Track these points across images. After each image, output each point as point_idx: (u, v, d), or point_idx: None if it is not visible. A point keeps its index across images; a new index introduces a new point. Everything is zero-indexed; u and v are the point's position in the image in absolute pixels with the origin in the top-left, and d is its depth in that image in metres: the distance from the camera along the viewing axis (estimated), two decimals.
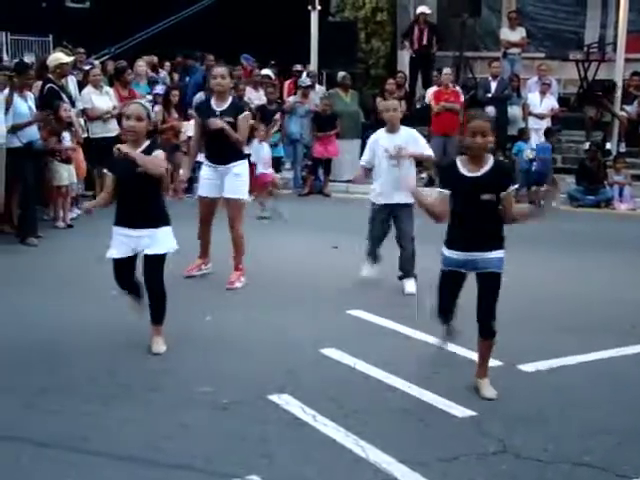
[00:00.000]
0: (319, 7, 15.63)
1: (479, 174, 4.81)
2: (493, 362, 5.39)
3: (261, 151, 11.10)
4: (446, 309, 5.19)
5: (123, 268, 5.62)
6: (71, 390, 4.88)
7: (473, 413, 4.66)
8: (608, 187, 12.62)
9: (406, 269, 7.32)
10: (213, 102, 7.20)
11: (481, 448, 4.22)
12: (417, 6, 15.95)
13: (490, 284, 4.91)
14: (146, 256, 5.50)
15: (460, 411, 4.69)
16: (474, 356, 5.54)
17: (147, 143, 5.46)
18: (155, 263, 5.51)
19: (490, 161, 4.86)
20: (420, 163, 9.22)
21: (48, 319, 6.25)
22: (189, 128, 11.54)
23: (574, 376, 5.34)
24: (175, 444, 4.20)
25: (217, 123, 6.99)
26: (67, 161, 9.86)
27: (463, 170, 4.85)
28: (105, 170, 5.69)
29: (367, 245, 7.42)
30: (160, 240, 5.49)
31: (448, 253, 4.97)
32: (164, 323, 5.66)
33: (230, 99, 7.22)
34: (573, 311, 6.79)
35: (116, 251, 5.57)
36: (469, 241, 4.87)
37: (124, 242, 5.53)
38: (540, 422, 4.57)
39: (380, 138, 7.21)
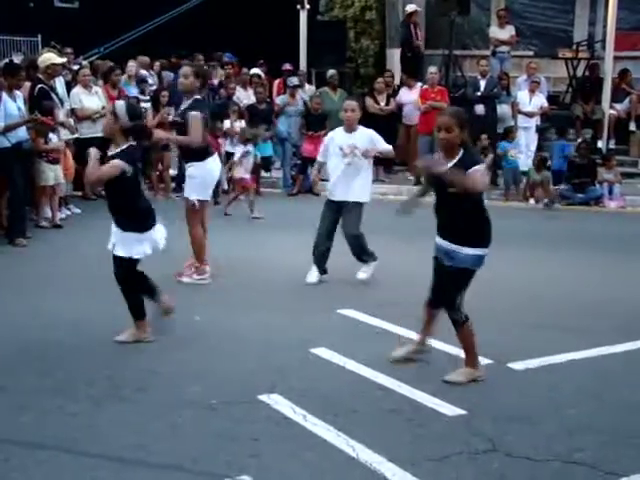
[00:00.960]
0: (308, 6, 15.62)
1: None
2: (483, 360, 5.40)
3: (247, 155, 11.11)
4: (431, 292, 5.31)
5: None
6: (60, 391, 4.86)
7: (463, 412, 4.66)
8: (598, 185, 12.65)
9: (358, 256, 7.51)
10: (184, 101, 7.32)
11: (471, 447, 4.22)
12: (406, 5, 15.94)
13: (449, 277, 5.09)
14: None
15: (450, 410, 4.69)
16: (463, 355, 5.56)
17: (125, 145, 5.56)
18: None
19: (459, 154, 4.95)
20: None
21: (37, 320, 6.23)
22: None
23: (564, 374, 5.34)
24: (164, 444, 4.19)
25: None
26: (54, 162, 9.82)
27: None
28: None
29: (314, 243, 7.51)
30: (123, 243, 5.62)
31: (436, 238, 5.17)
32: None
33: (192, 98, 7.21)
34: (563, 309, 6.80)
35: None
36: (443, 230, 5.08)
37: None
38: (530, 420, 4.57)
39: (336, 136, 7.39)
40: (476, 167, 4.89)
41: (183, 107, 7.22)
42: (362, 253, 7.47)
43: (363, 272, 7.48)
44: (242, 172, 11.04)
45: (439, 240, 5.12)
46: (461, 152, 4.95)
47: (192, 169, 7.28)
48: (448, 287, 5.13)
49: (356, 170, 7.29)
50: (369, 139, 7.34)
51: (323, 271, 7.52)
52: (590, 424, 4.52)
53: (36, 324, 6.13)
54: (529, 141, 13.70)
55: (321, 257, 7.49)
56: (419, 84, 13.97)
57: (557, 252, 8.97)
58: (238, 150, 11.19)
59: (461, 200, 4.89)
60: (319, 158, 7.64)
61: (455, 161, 4.93)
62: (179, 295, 6.87)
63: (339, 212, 7.41)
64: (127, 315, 5.76)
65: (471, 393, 4.95)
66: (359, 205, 7.37)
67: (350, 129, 7.33)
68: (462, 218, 4.98)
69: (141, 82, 13.05)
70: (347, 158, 7.27)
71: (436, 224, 5.14)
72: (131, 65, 13.23)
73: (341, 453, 4.14)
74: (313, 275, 7.47)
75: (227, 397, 4.79)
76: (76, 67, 12.10)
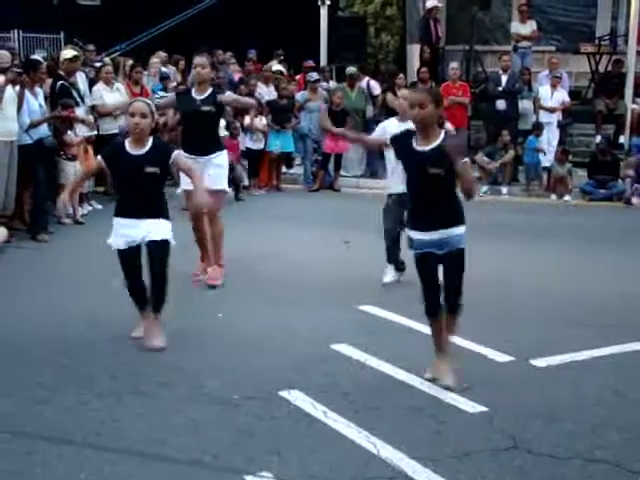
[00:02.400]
0: (328, 2, 15.61)
1: (427, 149, 4.72)
2: (505, 357, 5.38)
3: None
4: (431, 297, 4.98)
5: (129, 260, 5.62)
6: (82, 386, 4.89)
7: (484, 409, 4.64)
8: (620, 181, 12.56)
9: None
10: (194, 91, 7.20)
11: (493, 444, 4.20)
12: (426, 0, 15.88)
13: (455, 262, 4.91)
14: (150, 242, 5.52)
15: (471, 407, 4.67)
16: (485, 351, 5.55)
17: (151, 141, 5.52)
18: (159, 249, 5.54)
19: (441, 136, 4.74)
20: None
21: (58, 314, 6.27)
22: None
23: (586, 371, 5.31)
24: (185, 440, 4.20)
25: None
26: (73, 158, 9.87)
27: (415, 144, 4.78)
28: (100, 158, 5.69)
29: (385, 244, 7.24)
30: (161, 230, 5.55)
31: (417, 235, 4.90)
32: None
33: (210, 89, 7.18)
34: (585, 306, 6.75)
35: (120, 241, 5.59)
36: (430, 219, 4.82)
37: (124, 233, 5.57)
38: (552, 417, 4.54)
39: (389, 126, 6.88)
40: (465, 160, 4.72)
41: (202, 97, 7.05)
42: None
43: (388, 275, 7.31)
44: None
45: (429, 232, 4.82)
46: (442, 135, 4.74)
47: (220, 158, 7.15)
48: (458, 273, 4.95)
49: None
50: None
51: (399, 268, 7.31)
52: (612, 421, 4.49)
53: (57, 319, 6.17)
54: (551, 136, 13.60)
55: (396, 261, 7.29)
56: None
57: (579, 248, 8.91)
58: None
59: (443, 179, 4.70)
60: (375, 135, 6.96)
61: (435, 145, 4.69)
62: (199, 292, 6.92)
63: (403, 205, 7.21)
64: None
65: (492, 390, 4.92)
66: None
67: (404, 117, 6.77)
68: (446, 199, 4.80)
69: (163, 79, 13.12)
70: None
71: (417, 215, 4.90)
72: (154, 62, 13.27)
73: (362, 450, 4.14)
74: (389, 275, 7.33)
75: (248, 393, 4.79)
76: (98, 64, 12.15)
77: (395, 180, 6.89)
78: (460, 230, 4.89)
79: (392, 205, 7.10)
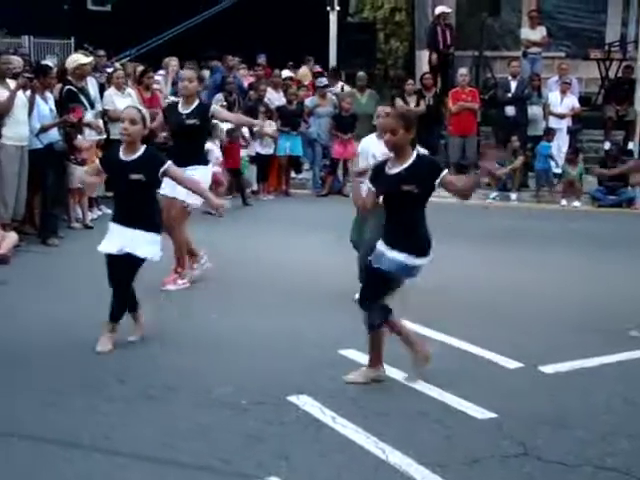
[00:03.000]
0: (338, 8, 15.64)
1: (398, 170, 4.91)
2: (514, 364, 5.37)
3: (212, 151, 11.16)
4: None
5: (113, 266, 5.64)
6: (91, 390, 4.90)
7: (493, 415, 4.63)
8: (630, 187, 12.52)
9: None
10: (180, 105, 7.24)
11: (502, 450, 4.19)
12: (436, 6, 15.89)
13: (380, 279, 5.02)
14: (126, 254, 5.54)
15: (480, 413, 4.66)
16: (494, 357, 5.54)
17: (143, 149, 5.57)
18: (130, 263, 5.57)
19: (412, 157, 4.94)
20: None
21: (67, 318, 6.28)
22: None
23: (595, 378, 5.29)
24: (195, 444, 4.21)
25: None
26: (82, 163, 9.90)
27: (388, 167, 4.98)
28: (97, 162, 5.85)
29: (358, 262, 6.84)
30: (143, 245, 5.56)
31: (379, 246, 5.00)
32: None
33: (197, 101, 7.23)
34: (594, 312, 6.73)
35: (104, 246, 5.64)
36: (400, 239, 4.93)
37: (109, 238, 5.63)
38: (562, 424, 4.53)
39: (371, 144, 6.91)
40: (443, 174, 4.88)
41: (187, 110, 7.08)
42: None
43: None
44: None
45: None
46: (414, 155, 4.94)
47: (196, 171, 6.99)
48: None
49: None
50: None
51: None
52: (622, 429, 4.47)
53: (66, 323, 6.18)
54: (560, 142, 13.57)
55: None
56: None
57: (587, 254, 8.88)
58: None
59: (415, 196, 4.87)
60: (358, 168, 6.96)
61: (408, 165, 4.89)
62: (205, 297, 6.93)
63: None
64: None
65: (501, 396, 4.92)
66: None
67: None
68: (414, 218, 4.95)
69: (174, 84, 13.14)
70: None
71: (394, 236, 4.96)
72: (173, 64, 13.27)
73: (370, 455, 4.13)
74: None
75: (257, 398, 4.80)
76: (110, 69, 12.18)
77: None
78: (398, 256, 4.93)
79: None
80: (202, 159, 7.28)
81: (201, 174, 7.09)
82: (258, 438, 4.29)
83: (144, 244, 5.56)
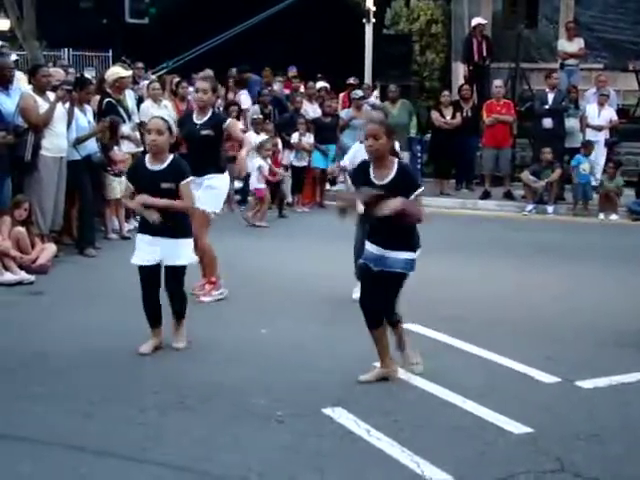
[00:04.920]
0: (374, 20, 15.68)
1: (384, 182, 4.94)
2: (550, 378, 5.32)
3: (263, 167, 11.41)
4: (365, 305, 5.20)
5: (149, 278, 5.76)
6: (127, 400, 4.93)
7: (530, 430, 4.58)
8: None
9: None
10: (195, 115, 7.26)
11: (538, 466, 4.14)
12: (472, 18, 15.86)
13: (389, 282, 5.12)
14: (167, 267, 5.71)
15: (516, 427, 4.61)
16: (530, 371, 5.49)
17: (171, 157, 5.63)
18: (176, 273, 5.73)
19: (394, 167, 4.97)
20: None
21: (103, 328, 6.33)
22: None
23: (634, 393, 5.22)
24: (229, 456, 4.21)
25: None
26: (119, 174, 10.00)
27: (372, 175, 5.00)
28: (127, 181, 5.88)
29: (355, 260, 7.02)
30: (179, 253, 5.68)
31: (370, 248, 5.14)
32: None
33: (210, 112, 7.24)
34: (631, 326, 6.64)
35: (138, 259, 5.72)
36: (379, 238, 5.06)
37: (145, 250, 5.69)
38: (599, 441, 4.47)
39: (359, 150, 6.88)
40: (417, 192, 4.93)
41: (201, 121, 7.11)
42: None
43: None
44: (256, 183, 11.56)
45: (376, 247, 5.08)
46: (396, 167, 4.96)
47: (214, 180, 7.13)
48: (394, 293, 5.20)
49: None
50: None
51: None
52: None
53: (102, 333, 6.23)
54: (598, 155, 13.45)
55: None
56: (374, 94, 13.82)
57: (625, 268, 8.77)
58: (256, 162, 11.47)
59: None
60: (344, 162, 7.39)
61: (391, 178, 4.92)
62: (242, 308, 6.94)
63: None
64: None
65: (538, 411, 4.87)
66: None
67: None
68: (397, 225, 4.97)
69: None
70: None
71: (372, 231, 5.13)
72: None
73: (406, 469, 4.11)
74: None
75: (291, 410, 4.79)
76: (146, 82, 12.32)
77: None
78: (405, 255, 5.04)
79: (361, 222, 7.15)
80: (218, 167, 7.31)
81: (219, 183, 7.20)
82: (293, 450, 4.29)
83: (182, 252, 5.68)
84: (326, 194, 13.31)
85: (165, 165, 5.59)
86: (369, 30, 15.56)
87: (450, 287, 7.55)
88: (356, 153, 7.13)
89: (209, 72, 7.78)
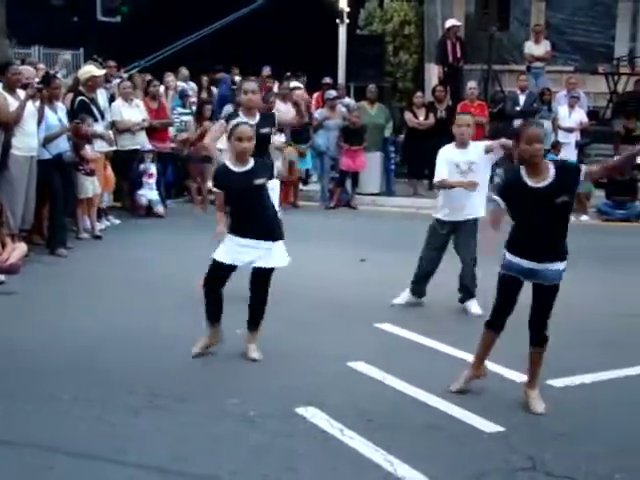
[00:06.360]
0: (347, 20, 15.69)
1: (546, 184, 4.81)
2: (522, 377, 5.35)
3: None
4: (500, 315, 5.12)
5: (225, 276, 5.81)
6: (99, 400, 4.90)
7: (501, 429, 4.62)
8: (638, 202, 12.50)
9: (467, 288, 7.11)
10: (242, 116, 7.10)
11: (510, 465, 4.18)
12: (445, 19, 15.93)
13: (549, 294, 5.03)
14: (257, 268, 5.79)
15: (489, 427, 4.65)
16: (503, 371, 5.53)
17: (252, 159, 5.71)
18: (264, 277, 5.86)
19: (551, 169, 4.84)
20: None
21: (77, 329, 6.29)
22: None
23: (605, 392, 5.28)
24: (203, 456, 4.21)
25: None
26: (90, 174, 9.94)
27: (528, 180, 4.83)
28: (214, 188, 5.86)
29: (417, 269, 7.12)
30: (273, 255, 5.78)
31: (516, 260, 4.97)
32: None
33: (256, 112, 7.19)
34: (603, 326, 6.71)
35: (228, 257, 5.71)
36: (533, 252, 4.94)
37: (238, 251, 5.71)
38: (570, 439, 4.52)
39: (450, 153, 6.99)
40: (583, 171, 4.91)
41: (254, 121, 6.89)
42: (473, 277, 7.07)
43: (476, 306, 6.96)
44: None
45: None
46: (552, 167, 4.87)
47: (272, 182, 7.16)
48: (549, 308, 5.14)
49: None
50: (482, 154, 7.02)
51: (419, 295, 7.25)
52: (632, 444, 4.46)
53: (74, 333, 6.19)
54: (569, 156, 13.55)
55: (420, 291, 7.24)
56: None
57: (597, 268, 8.85)
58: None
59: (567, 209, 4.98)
60: (439, 179, 6.99)
61: (550, 180, 4.82)
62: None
63: (451, 233, 7.08)
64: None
65: (510, 410, 4.91)
66: (476, 222, 7.05)
67: (463, 145, 6.99)
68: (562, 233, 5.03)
69: (183, 96, 13.22)
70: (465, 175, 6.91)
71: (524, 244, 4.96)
72: (169, 79, 13.36)
73: (379, 468, 4.12)
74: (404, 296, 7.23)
75: (265, 410, 4.79)
76: (117, 80, 12.24)
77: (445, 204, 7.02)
78: (558, 266, 5.02)
79: (438, 231, 7.08)
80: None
81: (274, 183, 7.08)
82: (266, 450, 4.29)
83: (277, 254, 5.79)
84: (300, 195, 13.33)
85: (251, 165, 5.69)
86: (343, 31, 15.57)
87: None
88: (446, 161, 6.97)
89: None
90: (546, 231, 4.90)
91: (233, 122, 6.05)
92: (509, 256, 4.99)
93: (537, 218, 4.86)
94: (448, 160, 6.94)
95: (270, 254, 5.74)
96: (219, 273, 5.76)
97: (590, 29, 17.15)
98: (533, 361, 5.07)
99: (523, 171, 4.86)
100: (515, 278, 5.00)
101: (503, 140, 6.93)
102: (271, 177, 5.89)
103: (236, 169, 5.69)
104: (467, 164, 6.92)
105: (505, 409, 4.90)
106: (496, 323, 5.13)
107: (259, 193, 5.71)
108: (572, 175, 4.90)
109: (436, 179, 7.06)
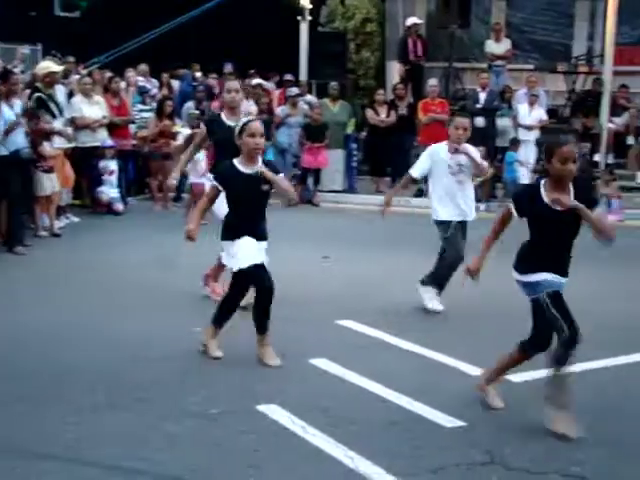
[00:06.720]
0: (309, 17, 15.69)
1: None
2: (479, 372, 5.40)
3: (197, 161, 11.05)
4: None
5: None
6: (60, 400, 4.86)
7: (462, 424, 4.66)
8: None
9: (440, 276, 7.05)
10: (224, 116, 6.93)
11: (470, 459, 4.22)
12: (406, 17, 16.01)
13: None
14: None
15: (449, 422, 4.69)
16: (463, 366, 5.57)
17: (260, 160, 5.66)
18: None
19: (571, 187, 4.77)
20: None
21: (37, 329, 6.22)
22: (181, 137, 11.59)
23: None
24: (164, 455, 4.19)
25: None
26: (49, 171, 9.82)
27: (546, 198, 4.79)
28: (217, 184, 5.71)
29: (438, 272, 7.01)
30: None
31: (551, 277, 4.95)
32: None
33: (240, 112, 7.03)
34: None
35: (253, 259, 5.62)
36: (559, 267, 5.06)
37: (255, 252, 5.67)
38: (529, 433, 4.57)
39: (442, 153, 6.95)
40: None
41: (235, 122, 6.47)
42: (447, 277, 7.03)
43: (436, 302, 6.99)
44: (193, 177, 10.71)
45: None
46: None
47: None
48: None
49: (464, 187, 7.05)
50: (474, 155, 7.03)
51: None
52: (589, 437, 4.51)
53: (32, 332, 6.12)
54: (528, 154, 13.72)
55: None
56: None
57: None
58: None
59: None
60: (416, 173, 7.09)
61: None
62: (177, 307, 6.89)
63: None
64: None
65: (470, 405, 4.95)
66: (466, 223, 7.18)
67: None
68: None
69: (142, 93, 13.13)
70: (456, 176, 6.94)
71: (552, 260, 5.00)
72: (130, 75, 13.28)
73: (340, 464, 4.14)
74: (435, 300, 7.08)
75: (226, 407, 4.79)
76: (77, 76, 12.12)
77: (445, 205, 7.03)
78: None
79: (455, 233, 7.07)
80: None
81: None
82: (228, 448, 4.28)
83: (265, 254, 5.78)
84: None
85: (258, 165, 5.58)
86: (304, 28, 15.57)
87: (384, 283, 7.60)
88: (432, 158, 6.99)
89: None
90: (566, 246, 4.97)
91: (242, 120, 5.88)
92: (538, 275, 4.97)
93: (557, 234, 4.91)
94: (439, 159, 6.92)
95: (265, 254, 5.78)
96: (247, 278, 5.70)
97: (549, 28, 17.38)
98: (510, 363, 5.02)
99: (543, 187, 4.78)
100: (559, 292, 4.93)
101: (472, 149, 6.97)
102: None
103: (244, 170, 5.56)
104: (457, 165, 6.94)
105: (465, 405, 4.94)
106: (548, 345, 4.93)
107: (265, 199, 5.72)
108: (588, 192, 4.87)
109: (411, 171, 7.09)
